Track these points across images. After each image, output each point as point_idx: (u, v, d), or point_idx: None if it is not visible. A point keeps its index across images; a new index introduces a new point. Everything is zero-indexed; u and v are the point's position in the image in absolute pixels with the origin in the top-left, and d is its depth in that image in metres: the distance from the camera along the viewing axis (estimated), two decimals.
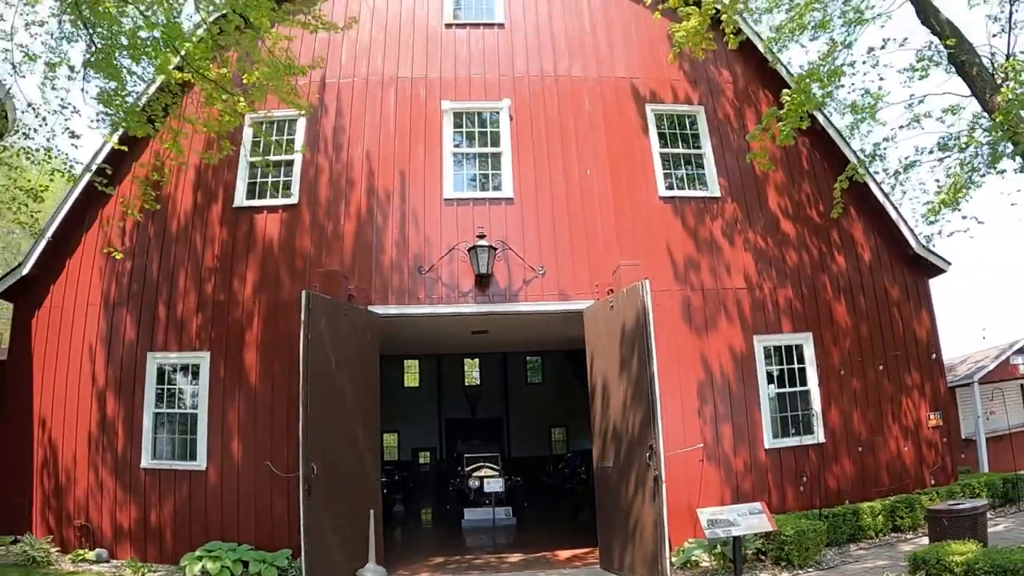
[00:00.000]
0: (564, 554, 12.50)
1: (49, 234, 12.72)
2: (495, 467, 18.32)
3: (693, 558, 10.57)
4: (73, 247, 12.92)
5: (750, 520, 10.09)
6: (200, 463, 11.74)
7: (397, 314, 12.06)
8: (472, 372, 31.71)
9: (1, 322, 30.77)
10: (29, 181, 11.67)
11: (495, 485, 15.92)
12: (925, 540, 10.71)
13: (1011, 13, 11.44)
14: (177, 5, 9.70)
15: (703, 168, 13.30)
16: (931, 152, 12.78)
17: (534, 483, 23.27)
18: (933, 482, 12.97)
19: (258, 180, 12.89)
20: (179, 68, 10.18)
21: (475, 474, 17.84)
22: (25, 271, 12.74)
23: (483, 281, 11.92)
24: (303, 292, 10.31)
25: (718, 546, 10.36)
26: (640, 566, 10.05)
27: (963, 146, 12.28)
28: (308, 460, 9.85)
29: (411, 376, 30.75)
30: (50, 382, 12.39)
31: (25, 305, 12.93)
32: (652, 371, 9.95)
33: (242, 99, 10.34)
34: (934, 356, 13.66)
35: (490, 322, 13.72)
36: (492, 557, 12.74)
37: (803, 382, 12.61)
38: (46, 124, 11.63)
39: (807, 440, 12.25)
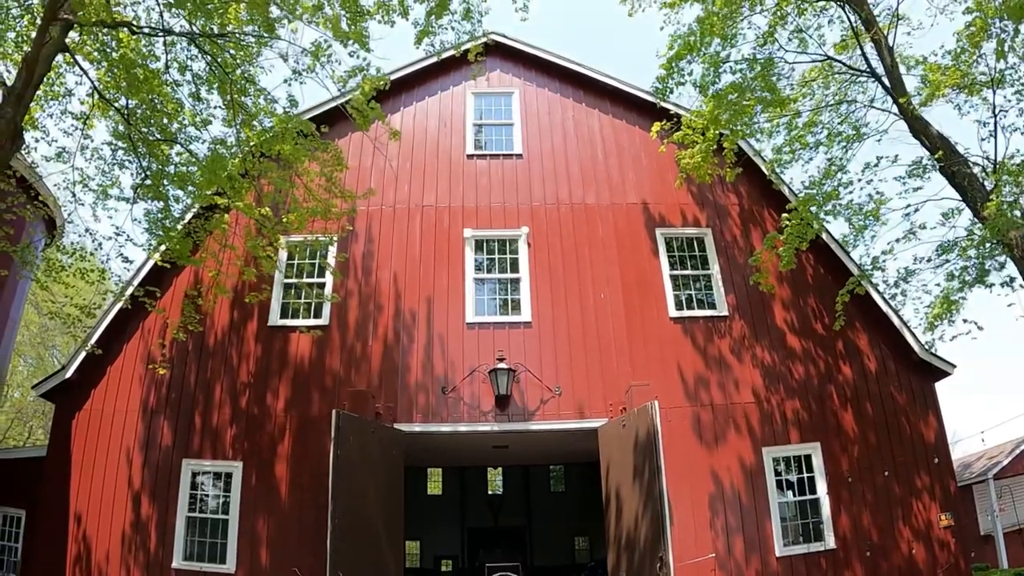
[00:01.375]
0: None
1: (93, 339, 13.38)
2: None
3: None
4: (115, 355, 13.62)
5: None
6: (230, 566, 12.17)
7: (422, 431, 12.70)
8: (495, 481, 31.50)
9: (38, 419, 31.64)
10: (84, 300, 12.52)
11: None
12: None
13: (995, 122, 11.93)
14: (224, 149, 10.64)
15: (711, 288, 14.00)
16: (929, 260, 13.35)
17: None
18: None
19: (291, 300, 13.72)
20: (219, 194, 11.06)
21: None
22: (68, 375, 13.42)
23: (502, 401, 12.58)
24: (334, 412, 11.00)
25: None
26: None
27: (964, 248, 12.71)
28: (335, 570, 10.35)
29: (434, 484, 30.65)
30: (87, 481, 12.92)
31: (66, 406, 13.54)
32: (662, 486, 10.47)
33: (280, 238, 11.18)
34: (936, 460, 13.93)
35: (509, 439, 14.34)
36: None
37: (812, 490, 12.95)
38: (101, 248, 12.56)
39: (817, 547, 12.54)
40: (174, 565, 12.24)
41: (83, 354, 13.45)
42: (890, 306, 14.24)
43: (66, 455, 13.21)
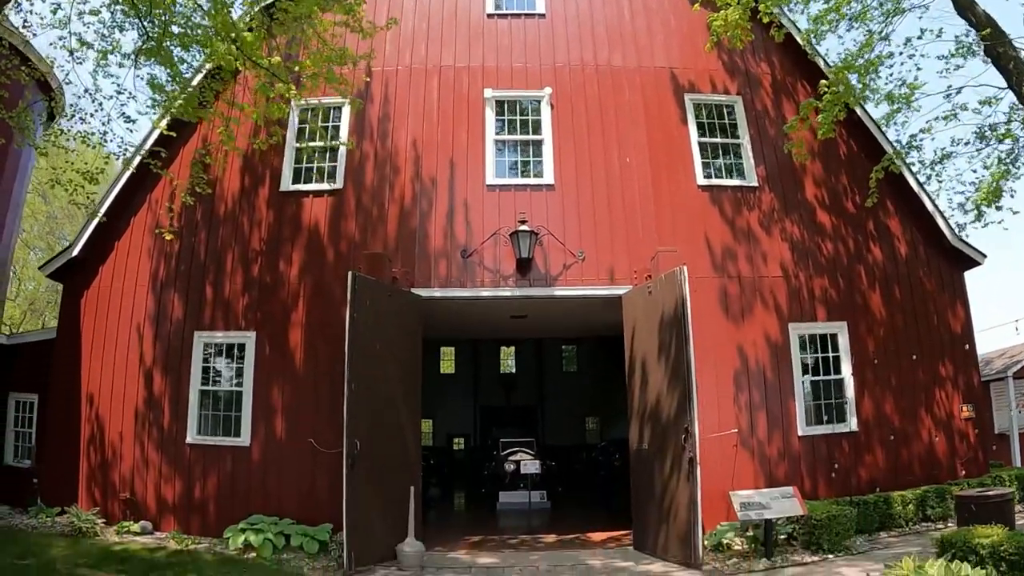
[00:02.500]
0: (598, 536, 12.62)
1: (99, 216, 12.95)
2: (530, 452, 18.44)
3: (725, 541, 10.62)
4: (122, 229, 13.21)
5: (782, 504, 10.12)
6: (244, 439, 11.98)
7: (440, 297, 12.23)
8: (508, 360, 31.58)
9: (51, 310, 31.51)
10: (86, 164, 11.88)
11: (532, 467, 16.05)
12: (945, 531, 10.69)
13: None
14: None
15: (740, 158, 13.29)
16: (967, 143, 12.70)
17: (567, 471, 23.30)
18: (964, 473, 12.89)
19: (304, 165, 13.10)
20: (230, 55, 10.34)
21: (511, 458, 17.96)
22: (75, 252, 13.08)
23: (524, 265, 12.04)
24: (349, 273, 10.50)
25: (750, 529, 10.40)
26: (674, 547, 10.13)
27: (1000, 137, 12.17)
28: (352, 437, 10.02)
29: (447, 363, 30.76)
30: (98, 360, 12.70)
31: (74, 285, 13.25)
32: (689, 355, 10.00)
33: (293, 87, 10.48)
34: (967, 346, 13.54)
35: (529, 306, 13.83)
36: (527, 537, 12.89)
37: (837, 371, 12.58)
38: (102, 109, 11.87)
39: (840, 428, 12.25)
40: (188, 440, 12.08)
41: (89, 231, 13.10)
42: (923, 189, 13.67)
43: (76, 335, 12.96)
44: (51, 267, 13.51)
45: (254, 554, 10.60)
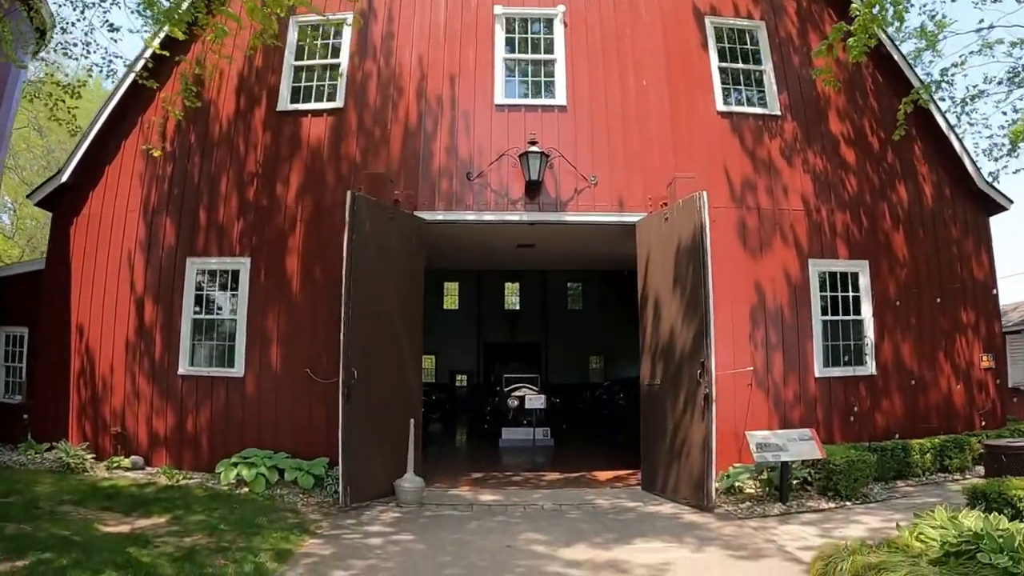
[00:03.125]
0: (603, 475, 12.13)
1: (89, 139, 12.37)
2: (534, 388, 17.91)
3: (737, 484, 10.10)
4: (112, 154, 12.55)
5: (799, 446, 9.57)
6: (238, 370, 11.47)
7: (444, 220, 11.56)
8: (512, 297, 31.22)
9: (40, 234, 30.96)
10: (66, 75, 11.14)
11: (536, 402, 15.40)
12: (976, 481, 10.21)
13: None
14: None
15: (763, 86, 12.50)
16: (1000, 83, 11.97)
17: (570, 410, 22.91)
18: (984, 424, 12.37)
19: (303, 84, 12.33)
20: None
21: (514, 393, 17.41)
22: (64, 178, 12.45)
23: (533, 188, 11.34)
24: (348, 193, 9.86)
25: (764, 472, 9.85)
26: (684, 488, 9.59)
27: None
28: (349, 364, 9.45)
29: (451, 299, 30.37)
30: (88, 290, 12.15)
31: (63, 213, 12.65)
32: (707, 286, 9.37)
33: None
34: (995, 291, 12.93)
35: (538, 233, 13.12)
36: (530, 474, 12.41)
37: (857, 311, 11.99)
38: (84, 17, 11.14)
39: (859, 371, 11.73)
40: (180, 371, 11.59)
41: (79, 155, 12.45)
42: (952, 129, 12.98)
43: (65, 265, 12.39)
44: (40, 194, 12.90)
45: (246, 489, 10.16)
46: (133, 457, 11.33)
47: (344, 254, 9.64)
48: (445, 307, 30.07)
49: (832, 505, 9.39)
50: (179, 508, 8.88)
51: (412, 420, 9.98)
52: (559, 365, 28.92)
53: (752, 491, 10.09)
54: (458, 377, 30.47)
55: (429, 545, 7.65)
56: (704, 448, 9.19)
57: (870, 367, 11.78)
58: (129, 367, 11.71)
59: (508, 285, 30.74)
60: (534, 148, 11.07)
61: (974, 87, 12.01)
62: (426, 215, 11.36)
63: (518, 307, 30.89)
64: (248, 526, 8.14)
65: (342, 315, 9.53)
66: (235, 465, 10.46)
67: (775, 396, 11.27)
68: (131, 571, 6.20)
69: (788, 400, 11.32)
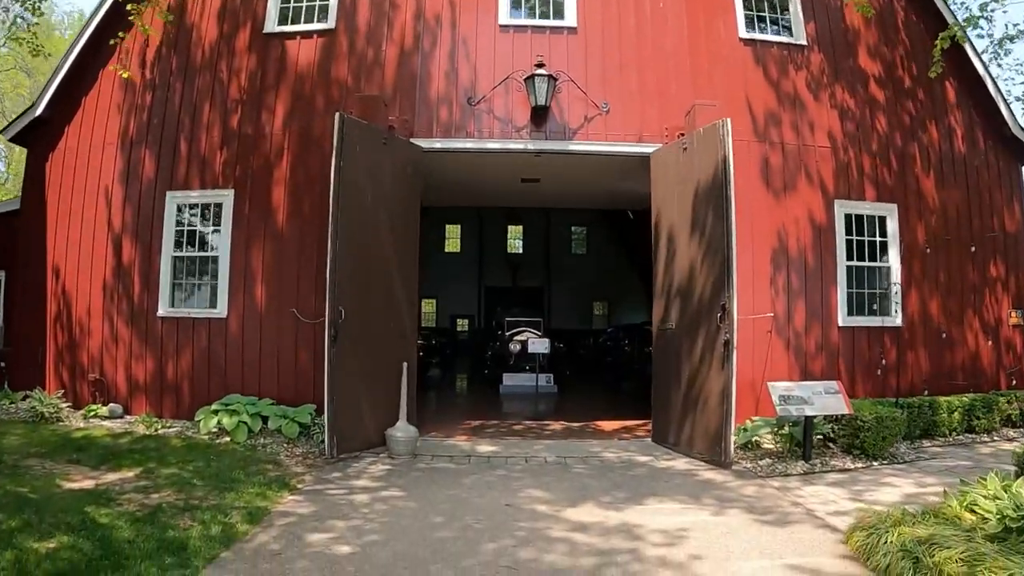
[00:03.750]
0: (610, 425, 11.32)
1: (65, 68, 11.47)
2: (538, 332, 17.05)
3: (755, 438, 9.26)
4: (89, 84, 11.60)
5: (825, 400, 8.71)
6: (220, 311, 10.63)
7: (443, 148, 10.51)
8: (515, 240, 30.48)
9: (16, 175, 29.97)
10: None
11: (540, 346, 14.44)
12: (1005, 445, 9.65)
13: None
14: None
15: (788, 12, 11.42)
16: None
17: (574, 356, 22.14)
18: (1015, 382, 11.57)
19: (291, 4, 11.25)
20: None
21: (516, 337, 16.54)
22: (39, 111, 11.55)
23: (540, 115, 10.33)
24: (337, 115, 8.86)
25: (786, 427, 8.98)
26: (700, 442, 8.75)
27: None
28: (336, 302, 8.57)
29: (452, 242, 29.64)
30: (64, 229, 11.32)
31: (39, 149, 11.77)
32: (730, 222, 8.43)
33: None
34: None
35: (544, 166, 12.07)
36: (532, 423, 11.61)
37: (884, 258, 11.08)
38: None
39: (885, 322, 10.84)
40: (160, 313, 10.76)
41: (54, 86, 11.53)
42: (987, 71, 11.97)
43: (41, 204, 11.53)
44: (14, 129, 11.98)
45: (227, 439, 9.37)
46: (111, 405, 10.60)
47: (332, 181, 8.69)
48: (446, 250, 29.36)
49: (858, 465, 8.57)
50: (152, 460, 8.12)
51: (405, 364, 9.10)
52: (562, 310, 28.44)
53: (771, 447, 9.29)
54: (459, 322, 29.85)
55: (420, 503, 6.84)
56: (723, 399, 8.34)
57: (896, 318, 10.91)
58: (107, 310, 10.92)
59: (511, 228, 30.10)
60: (541, 71, 9.99)
61: (1014, 26, 10.83)
62: (423, 143, 10.33)
63: (521, 250, 30.17)
64: (223, 480, 7.39)
65: (328, 248, 8.62)
66: (215, 413, 9.66)
67: (796, 346, 10.41)
68: (84, 534, 5.44)
69: (810, 350, 10.46)
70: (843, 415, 8.83)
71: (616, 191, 14.46)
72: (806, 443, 8.62)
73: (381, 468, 8.32)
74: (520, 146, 10.47)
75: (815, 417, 8.76)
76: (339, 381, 8.58)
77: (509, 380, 16.14)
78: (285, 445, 9.28)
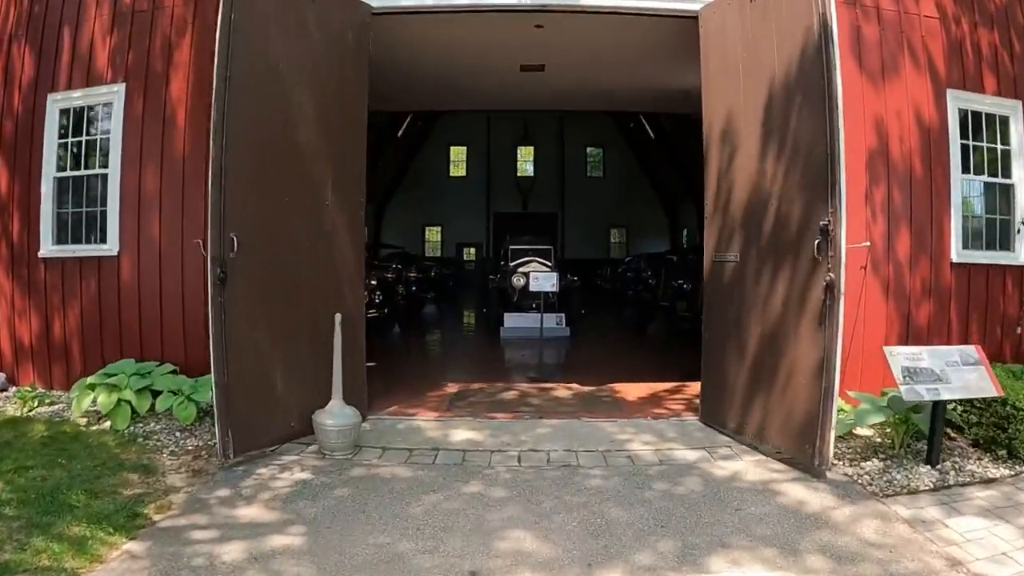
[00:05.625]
0: (636, 390, 8.13)
1: None
2: (546, 263, 13.87)
3: (859, 430, 6.12)
4: None
5: (963, 376, 5.53)
6: (111, 247, 7.64)
7: (404, 8, 7.10)
8: (525, 163, 27.82)
9: None
10: None
11: (545, 282, 10.93)
12: None
13: None
14: None
15: None
16: None
17: (589, 288, 19.25)
18: None
19: None
20: None
21: (520, 269, 13.34)
22: None
23: None
24: None
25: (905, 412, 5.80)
26: (777, 434, 5.63)
27: None
28: (224, 227, 5.41)
29: (457, 165, 27.01)
30: None
31: None
32: (834, 100, 5.18)
33: None
34: None
35: (549, 44, 8.75)
36: (532, 388, 8.45)
37: (1006, 172, 7.74)
38: None
39: (1005, 259, 7.68)
40: (42, 253, 7.90)
41: None
42: None
43: None
44: None
45: (108, 423, 6.48)
46: None
47: (217, 46, 5.48)
48: (451, 174, 26.72)
49: (1004, 471, 5.40)
50: None
51: (338, 317, 5.87)
52: (576, 238, 26.28)
53: (868, 432, 6.18)
54: (466, 250, 27.36)
55: (324, 567, 3.79)
56: (820, 373, 5.20)
57: (1020, 254, 7.69)
58: None
59: (521, 150, 27.68)
60: None
61: None
62: (373, 1, 6.88)
63: (532, 173, 27.50)
64: (52, 505, 4.62)
65: (211, 143, 5.46)
66: (92, 388, 6.66)
67: (897, 287, 7.20)
68: None
69: (915, 293, 7.25)
70: (995, 398, 5.63)
71: (643, 85, 11.11)
72: (934, 440, 5.48)
73: (297, 477, 5.29)
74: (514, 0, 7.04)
75: (949, 400, 5.61)
76: (236, 345, 5.49)
77: (511, 321, 13.08)
78: (178, 434, 6.32)
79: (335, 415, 5.75)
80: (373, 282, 12.27)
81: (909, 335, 7.15)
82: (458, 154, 27.74)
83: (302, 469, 5.44)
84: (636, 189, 25.99)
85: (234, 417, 5.50)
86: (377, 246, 21.47)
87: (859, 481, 5.22)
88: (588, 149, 27.41)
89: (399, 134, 23.96)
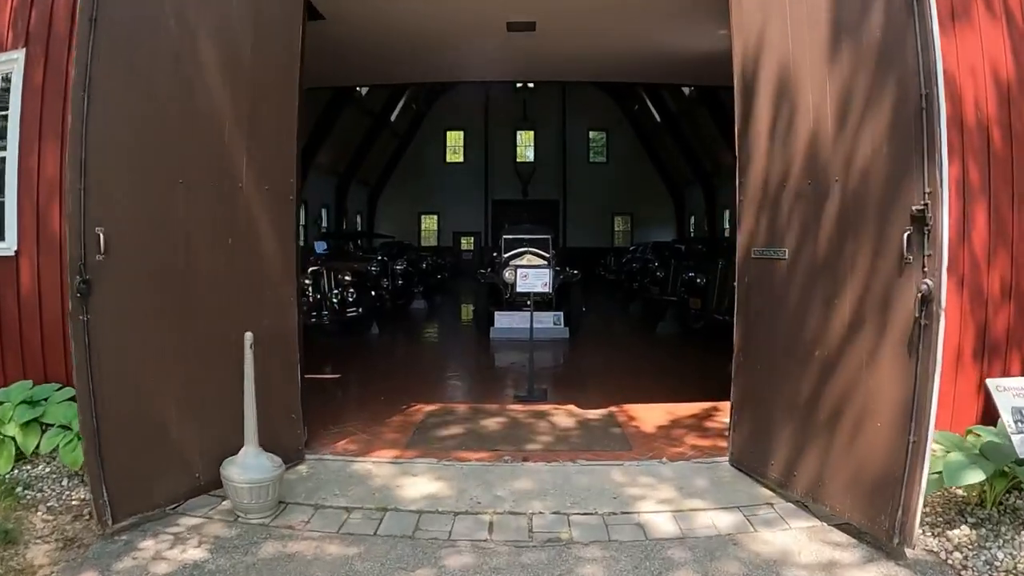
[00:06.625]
0: (649, 415, 6.55)
1: None
2: (543, 254, 12.32)
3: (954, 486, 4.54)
4: None
5: None
6: (8, 245, 6.11)
7: None
8: (525, 148, 26.74)
9: None
10: None
11: (535, 280, 8.85)
12: None
13: None
14: None
15: None
16: None
17: (591, 280, 17.94)
18: None
19: None
20: None
21: (513, 262, 11.77)
22: None
23: None
24: None
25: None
26: (841, 493, 4.07)
27: None
28: (85, 219, 3.92)
29: (454, 151, 25.87)
30: None
31: None
32: (929, 27, 3.55)
33: None
34: None
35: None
36: (519, 410, 6.88)
37: None
38: None
39: None
40: None
41: None
42: None
43: None
44: None
45: None
46: None
47: None
48: (448, 160, 25.53)
49: None
50: None
51: (249, 336, 4.30)
52: (579, 226, 25.08)
53: (960, 494, 4.62)
54: (463, 239, 26.29)
55: None
56: (909, 419, 3.62)
57: None
58: None
59: (521, 134, 26.68)
60: None
61: None
62: None
63: (532, 159, 26.39)
64: None
65: (70, 109, 3.96)
66: None
67: (973, 284, 5.59)
68: None
69: (994, 293, 5.64)
70: None
71: (651, 50, 9.52)
72: None
73: (188, 557, 3.80)
74: None
75: None
76: (109, 377, 3.98)
77: (502, 321, 11.57)
78: (65, 482, 4.88)
79: (246, 467, 4.23)
80: (348, 277, 10.92)
81: (985, 348, 5.57)
82: (455, 139, 26.72)
83: (199, 543, 3.95)
84: (641, 175, 24.94)
85: (113, 471, 4.01)
86: (370, 235, 20.14)
87: (950, 561, 3.71)
88: (591, 133, 26.39)
89: (392, 118, 22.57)
